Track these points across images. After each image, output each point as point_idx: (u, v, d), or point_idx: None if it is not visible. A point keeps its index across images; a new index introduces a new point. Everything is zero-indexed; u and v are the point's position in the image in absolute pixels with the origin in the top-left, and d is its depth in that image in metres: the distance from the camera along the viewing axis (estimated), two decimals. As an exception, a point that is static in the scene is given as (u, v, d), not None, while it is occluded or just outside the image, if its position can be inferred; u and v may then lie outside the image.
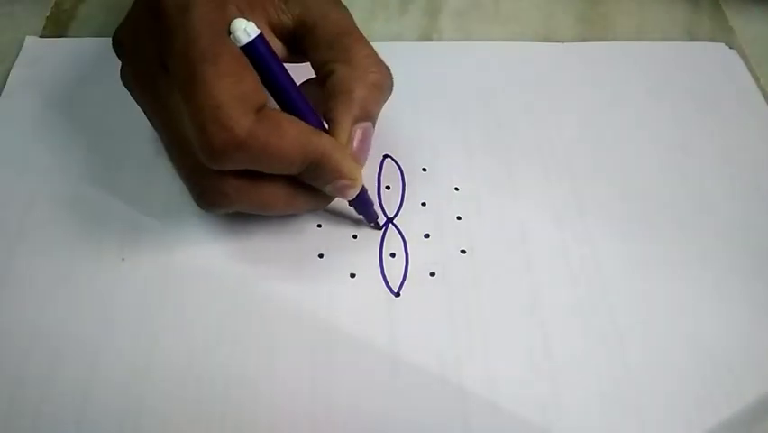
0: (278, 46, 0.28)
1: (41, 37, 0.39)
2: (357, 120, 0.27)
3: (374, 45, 0.39)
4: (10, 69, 0.37)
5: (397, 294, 0.30)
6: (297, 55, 0.29)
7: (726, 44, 0.40)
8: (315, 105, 0.27)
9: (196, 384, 0.27)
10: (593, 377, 0.28)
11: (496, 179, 0.34)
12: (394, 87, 0.28)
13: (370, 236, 0.31)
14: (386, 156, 0.34)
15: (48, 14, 0.40)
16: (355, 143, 0.27)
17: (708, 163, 0.35)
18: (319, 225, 0.31)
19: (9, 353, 0.28)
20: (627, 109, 0.37)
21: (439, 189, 0.33)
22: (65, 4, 0.41)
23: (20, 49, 0.38)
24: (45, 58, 0.37)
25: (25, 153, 0.33)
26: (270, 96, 0.26)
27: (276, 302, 0.29)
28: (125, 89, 0.36)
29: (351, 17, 0.29)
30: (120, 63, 0.29)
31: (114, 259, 0.30)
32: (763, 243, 0.32)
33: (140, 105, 0.29)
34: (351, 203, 0.30)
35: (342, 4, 0.29)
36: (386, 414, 0.27)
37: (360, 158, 0.28)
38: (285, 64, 0.26)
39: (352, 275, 0.30)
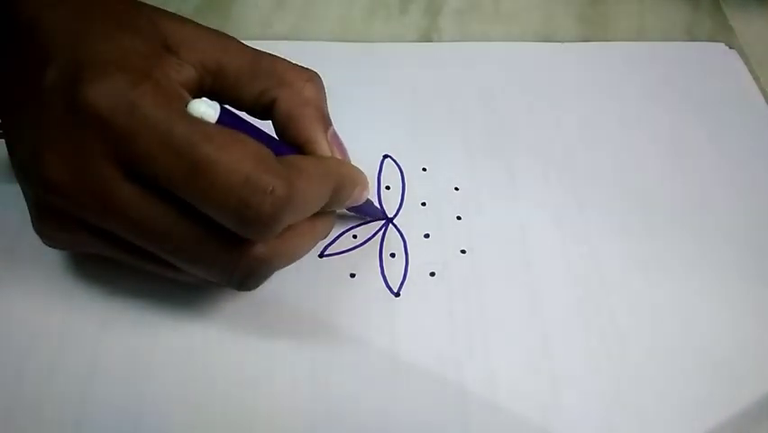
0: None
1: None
2: (325, 129, 0.27)
3: (374, 45, 0.39)
4: (10, 68, 0.37)
5: (397, 294, 0.30)
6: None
7: (726, 44, 0.40)
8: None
9: (196, 384, 0.27)
10: (593, 377, 0.28)
11: (496, 179, 0.34)
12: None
13: (370, 236, 0.31)
14: (386, 156, 0.34)
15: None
16: (336, 149, 0.27)
17: (708, 163, 0.35)
18: (319, 225, 0.32)
19: (9, 353, 0.28)
20: (627, 109, 0.37)
21: (439, 189, 0.33)
22: (65, 4, 0.41)
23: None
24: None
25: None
26: None
27: (276, 302, 0.29)
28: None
29: (238, 40, 0.27)
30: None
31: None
32: (763, 243, 0.32)
33: (115, 231, 0.24)
34: (355, 208, 0.30)
35: (216, 30, 0.27)
36: (386, 414, 0.27)
37: (347, 159, 0.28)
38: None
39: (352, 275, 0.30)
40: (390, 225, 0.32)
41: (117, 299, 0.29)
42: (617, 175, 0.34)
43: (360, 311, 0.29)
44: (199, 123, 0.22)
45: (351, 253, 0.31)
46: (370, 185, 0.29)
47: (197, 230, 0.23)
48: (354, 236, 0.31)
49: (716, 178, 0.34)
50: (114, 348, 0.28)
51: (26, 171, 0.24)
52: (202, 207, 0.22)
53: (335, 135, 0.27)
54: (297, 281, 0.30)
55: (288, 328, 0.28)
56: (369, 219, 0.32)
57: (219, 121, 0.22)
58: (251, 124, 0.24)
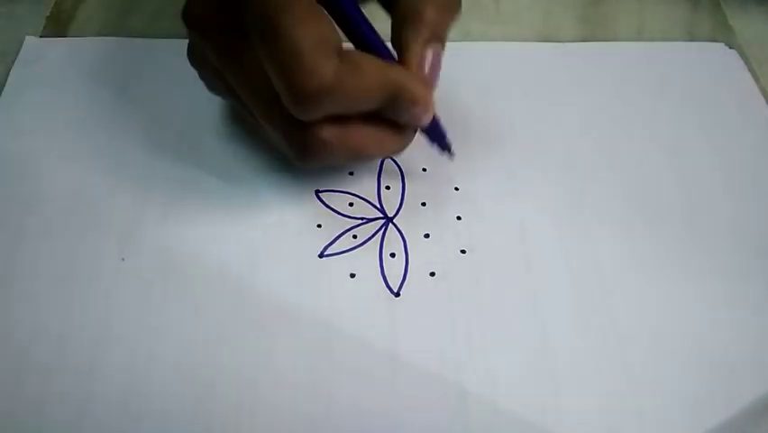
0: None
1: (41, 37, 0.39)
2: (427, 43, 0.28)
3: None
4: (10, 69, 0.37)
5: (397, 294, 0.30)
6: None
7: (726, 44, 0.40)
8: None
9: (196, 384, 0.27)
10: (593, 377, 0.28)
11: (496, 179, 0.34)
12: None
13: (370, 236, 0.31)
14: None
15: (48, 14, 0.40)
16: (426, 67, 0.28)
17: (708, 163, 0.35)
18: (319, 226, 0.32)
19: (9, 352, 0.28)
20: (627, 109, 0.37)
21: (439, 189, 0.33)
22: (65, 4, 0.41)
23: (20, 49, 0.38)
24: (45, 58, 0.37)
25: (25, 153, 0.33)
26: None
27: (276, 302, 0.29)
28: (126, 89, 0.36)
29: None
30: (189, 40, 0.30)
31: (114, 259, 0.30)
32: (763, 243, 0.32)
33: (223, 76, 0.28)
34: (424, 132, 0.31)
35: None
36: (386, 414, 0.27)
37: (432, 81, 0.28)
38: None
39: (352, 275, 0.30)
40: (390, 225, 0.32)
41: (117, 300, 0.29)
42: (616, 175, 0.34)
43: (360, 311, 0.29)
44: None
45: (351, 253, 0.31)
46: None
47: (276, 93, 0.26)
48: (354, 236, 0.31)
49: (716, 178, 0.34)
50: (114, 348, 0.28)
51: (182, 11, 0.28)
52: (266, 68, 0.25)
53: (436, 56, 0.28)
54: (297, 281, 0.30)
55: (287, 328, 0.28)
56: (366, 219, 0.32)
57: None
58: (359, 11, 0.27)
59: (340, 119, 0.27)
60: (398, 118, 0.28)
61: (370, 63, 0.26)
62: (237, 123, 0.34)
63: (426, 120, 0.29)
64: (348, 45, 0.27)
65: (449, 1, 0.28)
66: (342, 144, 0.27)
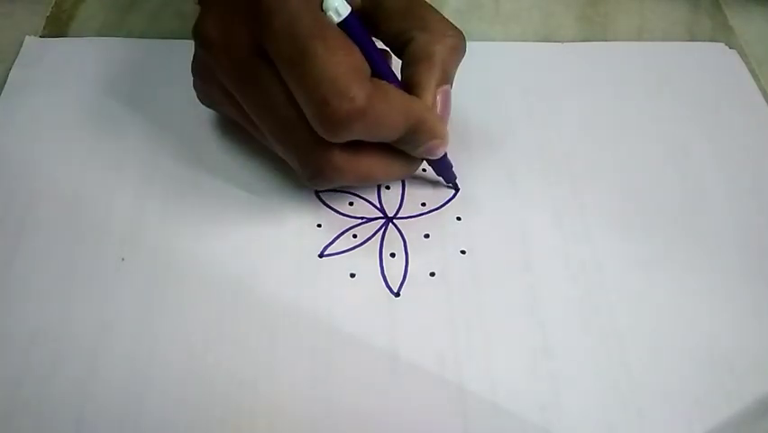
0: None
1: (41, 37, 0.39)
2: (440, 83, 0.29)
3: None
4: (10, 69, 0.37)
5: (397, 294, 0.30)
6: None
7: (726, 44, 0.40)
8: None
9: (196, 384, 0.27)
10: (593, 377, 0.28)
11: (496, 179, 0.34)
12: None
13: (369, 236, 0.31)
14: (386, 156, 0.34)
15: (48, 14, 0.40)
16: (439, 105, 0.29)
17: (707, 163, 0.35)
18: (319, 225, 0.32)
19: (9, 353, 0.28)
20: (627, 109, 0.37)
21: (439, 190, 0.33)
22: (65, 4, 0.41)
23: (20, 49, 0.38)
24: (45, 58, 0.37)
25: (25, 153, 0.33)
26: None
27: (276, 302, 0.29)
28: (126, 89, 0.36)
29: None
30: (195, 55, 0.30)
31: (114, 259, 0.30)
32: (763, 243, 0.32)
33: (233, 96, 0.29)
34: (432, 164, 0.32)
35: None
36: (386, 414, 0.27)
37: (444, 117, 0.29)
38: None
39: (352, 275, 0.30)
40: (390, 224, 0.32)
41: (117, 300, 0.29)
42: (616, 175, 0.34)
43: (360, 311, 0.29)
44: (324, 23, 0.25)
45: (351, 253, 0.31)
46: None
47: (293, 116, 0.26)
48: (354, 236, 0.31)
49: (715, 177, 0.34)
50: (113, 348, 0.28)
51: (193, 28, 0.29)
52: (294, 91, 0.26)
53: (447, 93, 0.29)
54: (297, 281, 0.30)
55: (287, 328, 0.28)
56: (366, 219, 0.32)
57: (345, 21, 0.26)
58: (372, 42, 0.27)
59: (353, 145, 0.27)
60: (413, 149, 0.29)
61: (397, 93, 0.27)
62: (233, 131, 0.34)
63: (441, 152, 0.30)
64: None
65: (457, 43, 0.29)
66: (354, 170, 0.28)
